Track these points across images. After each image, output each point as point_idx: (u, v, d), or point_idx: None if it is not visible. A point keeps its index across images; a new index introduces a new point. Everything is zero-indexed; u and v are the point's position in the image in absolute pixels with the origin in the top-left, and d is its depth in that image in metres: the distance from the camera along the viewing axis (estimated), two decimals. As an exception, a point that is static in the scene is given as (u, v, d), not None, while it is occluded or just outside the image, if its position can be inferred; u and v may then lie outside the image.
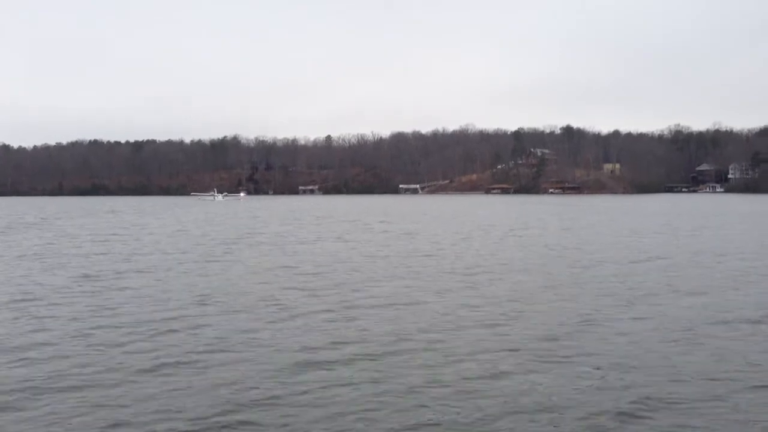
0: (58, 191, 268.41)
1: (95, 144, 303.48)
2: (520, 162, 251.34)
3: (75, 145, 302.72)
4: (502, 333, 15.50)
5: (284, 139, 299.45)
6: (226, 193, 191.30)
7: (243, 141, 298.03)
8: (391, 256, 32.58)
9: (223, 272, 26.50)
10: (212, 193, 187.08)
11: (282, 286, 22.94)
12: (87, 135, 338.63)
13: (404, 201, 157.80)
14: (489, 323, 16.50)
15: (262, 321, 16.95)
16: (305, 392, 11.26)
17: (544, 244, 38.59)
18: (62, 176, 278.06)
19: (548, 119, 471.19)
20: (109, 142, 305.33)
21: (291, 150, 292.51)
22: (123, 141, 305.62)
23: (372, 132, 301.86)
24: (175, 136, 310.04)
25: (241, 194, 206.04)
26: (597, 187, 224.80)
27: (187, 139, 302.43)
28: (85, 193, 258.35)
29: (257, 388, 11.51)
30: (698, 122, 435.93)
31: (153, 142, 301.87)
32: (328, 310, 18.26)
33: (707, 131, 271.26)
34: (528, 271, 26.53)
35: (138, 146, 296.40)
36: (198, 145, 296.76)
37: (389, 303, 19.34)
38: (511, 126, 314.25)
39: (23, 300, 20.14)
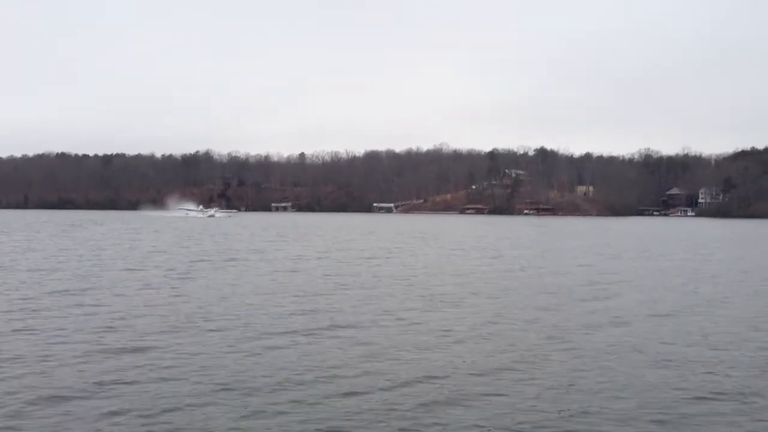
0: (24, 204, 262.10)
1: (63, 157, 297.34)
2: (494, 182, 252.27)
3: (42, 158, 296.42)
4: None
5: (257, 155, 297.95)
6: (217, 209, 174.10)
7: (215, 156, 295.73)
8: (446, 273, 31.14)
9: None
10: (200, 207, 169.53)
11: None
12: (54, 147, 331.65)
13: (384, 220, 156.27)
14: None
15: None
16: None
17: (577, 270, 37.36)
18: (28, 189, 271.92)
19: (520, 140, 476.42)
20: (77, 155, 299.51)
21: (264, 166, 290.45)
22: (91, 154, 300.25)
23: (346, 150, 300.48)
24: (145, 150, 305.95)
25: (233, 210, 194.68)
26: (571, 209, 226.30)
27: (158, 154, 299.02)
28: (52, 207, 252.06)
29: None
30: (668, 146, 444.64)
31: (122, 155, 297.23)
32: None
33: (677, 155, 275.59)
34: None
35: (107, 159, 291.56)
36: (169, 160, 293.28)
37: (476, 328, 17.95)
38: (485, 146, 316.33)
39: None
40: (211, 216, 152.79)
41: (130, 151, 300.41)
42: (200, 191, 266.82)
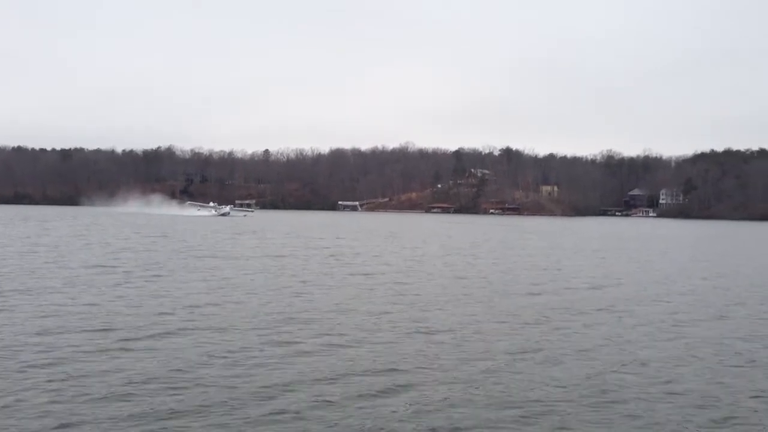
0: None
1: (20, 150, 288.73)
2: (460, 182, 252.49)
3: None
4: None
5: (221, 151, 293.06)
6: (231, 206, 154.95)
7: (178, 152, 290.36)
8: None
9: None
10: (211, 204, 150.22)
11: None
12: (11, 141, 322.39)
13: (354, 218, 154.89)
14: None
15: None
16: None
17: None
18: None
19: (486, 140, 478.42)
20: (34, 149, 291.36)
21: (227, 163, 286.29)
22: (49, 148, 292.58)
23: (311, 147, 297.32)
24: (105, 146, 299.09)
25: (249, 209, 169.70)
26: (536, 209, 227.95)
27: (119, 149, 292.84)
28: (7, 202, 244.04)
29: None
30: (629, 148, 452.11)
31: (82, 150, 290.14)
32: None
33: (638, 157, 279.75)
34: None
35: (66, 154, 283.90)
36: (130, 156, 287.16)
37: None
38: (450, 146, 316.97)
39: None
40: (225, 214, 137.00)
41: (90, 145, 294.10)
42: (162, 187, 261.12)
